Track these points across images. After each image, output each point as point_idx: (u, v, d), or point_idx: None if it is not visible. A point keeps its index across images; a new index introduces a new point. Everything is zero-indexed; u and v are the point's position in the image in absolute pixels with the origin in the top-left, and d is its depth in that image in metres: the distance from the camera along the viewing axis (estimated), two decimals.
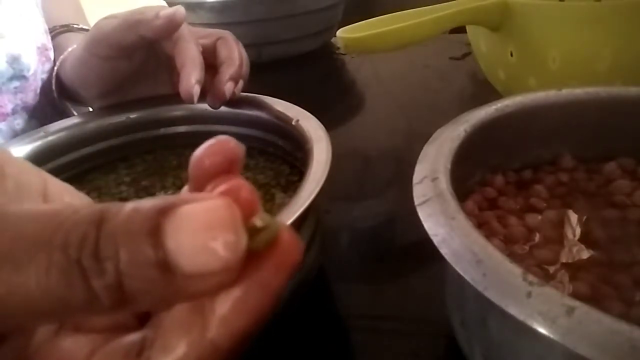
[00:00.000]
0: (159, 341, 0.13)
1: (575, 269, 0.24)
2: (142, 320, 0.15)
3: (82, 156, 0.40)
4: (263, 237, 0.12)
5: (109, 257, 0.11)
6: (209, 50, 0.39)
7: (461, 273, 0.18)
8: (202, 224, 0.11)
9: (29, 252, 0.11)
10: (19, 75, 0.43)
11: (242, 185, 0.13)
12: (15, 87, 0.43)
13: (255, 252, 0.12)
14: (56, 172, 0.38)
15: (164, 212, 0.11)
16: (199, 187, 0.13)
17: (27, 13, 0.46)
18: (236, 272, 0.11)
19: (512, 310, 0.16)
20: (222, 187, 0.12)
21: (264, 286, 0.12)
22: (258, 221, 0.12)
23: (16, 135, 0.44)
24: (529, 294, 0.17)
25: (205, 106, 0.39)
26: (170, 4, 0.39)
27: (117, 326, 0.15)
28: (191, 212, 0.11)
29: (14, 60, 0.43)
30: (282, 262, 0.12)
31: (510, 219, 0.27)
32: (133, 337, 0.14)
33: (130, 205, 0.11)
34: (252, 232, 0.12)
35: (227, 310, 0.13)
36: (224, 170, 0.13)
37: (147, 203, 0.11)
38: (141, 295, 0.11)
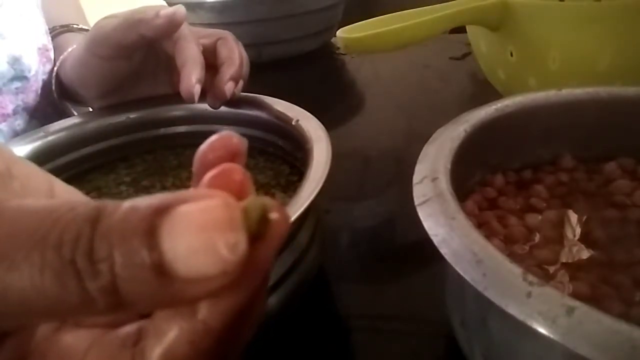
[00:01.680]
0: (151, 329, 0.13)
1: (575, 269, 0.24)
2: (145, 315, 0.15)
3: (82, 156, 0.41)
4: (254, 219, 0.12)
5: (104, 259, 0.10)
6: (209, 50, 0.39)
7: (461, 273, 0.18)
8: (199, 225, 0.10)
9: (24, 249, 0.10)
10: (20, 76, 0.43)
11: (233, 168, 0.12)
12: (16, 88, 0.43)
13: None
14: (56, 172, 0.37)
15: (160, 212, 0.10)
16: None
17: (28, 14, 0.46)
18: (236, 275, 0.11)
19: (512, 310, 0.16)
20: (214, 171, 0.12)
21: (253, 263, 0.12)
22: (250, 203, 0.12)
23: (17, 135, 0.44)
24: (529, 294, 0.17)
25: (205, 106, 0.39)
26: (170, 4, 0.39)
27: (119, 321, 0.15)
28: (188, 212, 0.10)
29: (15, 61, 0.43)
30: (272, 238, 0.12)
31: (510, 219, 0.27)
32: (129, 328, 0.14)
33: (127, 204, 0.11)
34: (244, 214, 0.11)
35: None
36: None
37: (144, 202, 0.11)
38: (137, 299, 0.10)
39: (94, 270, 0.10)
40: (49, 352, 0.14)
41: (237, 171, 0.12)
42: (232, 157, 0.13)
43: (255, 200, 0.12)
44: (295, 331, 0.29)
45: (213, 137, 0.14)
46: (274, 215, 0.12)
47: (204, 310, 0.12)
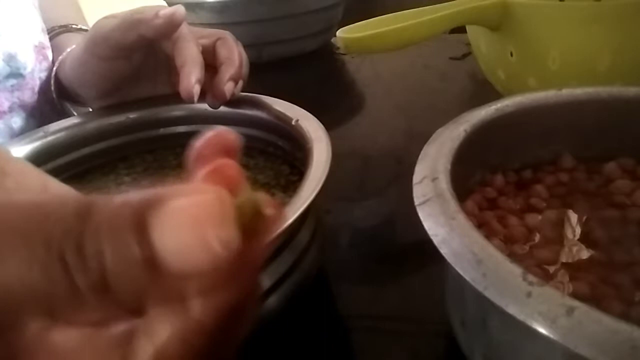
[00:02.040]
0: (143, 327, 0.13)
1: (575, 269, 0.24)
2: (138, 312, 0.15)
3: (82, 156, 0.40)
4: (247, 214, 0.12)
5: (94, 254, 0.10)
6: (208, 51, 0.39)
7: (461, 273, 0.18)
8: (191, 220, 0.10)
9: (13, 244, 0.10)
10: (16, 74, 0.43)
11: (227, 163, 0.12)
12: (12, 85, 0.43)
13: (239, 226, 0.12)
14: (56, 172, 0.37)
15: (151, 206, 0.10)
16: None
17: (24, 12, 0.46)
18: (228, 271, 0.11)
19: (512, 310, 0.16)
20: (207, 167, 0.12)
21: (246, 259, 0.12)
22: (244, 199, 0.12)
23: (14, 133, 0.44)
24: (529, 294, 0.17)
25: (205, 106, 0.39)
26: (170, 4, 0.39)
27: (110, 320, 0.15)
28: (180, 207, 0.10)
29: (10, 58, 0.43)
30: (265, 234, 0.12)
31: (510, 219, 0.27)
32: (121, 327, 0.14)
33: (118, 199, 0.11)
34: (238, 210, 0.11)
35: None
36: None
37: (135, 196, 0.11)
38: (128, 295, 0.10)
39: (83, 266, 0.10)
40: (38, 351, 0.14)
41: (232, 167, 0.12)
42: (226, 153, 0.13)
43: (249, 196, 0.12)
44: (295, 331, 0.29)
45: (208, 133, 0.14)
46: (268, 211, 0.12)
47: (196, 308, 0.12)
